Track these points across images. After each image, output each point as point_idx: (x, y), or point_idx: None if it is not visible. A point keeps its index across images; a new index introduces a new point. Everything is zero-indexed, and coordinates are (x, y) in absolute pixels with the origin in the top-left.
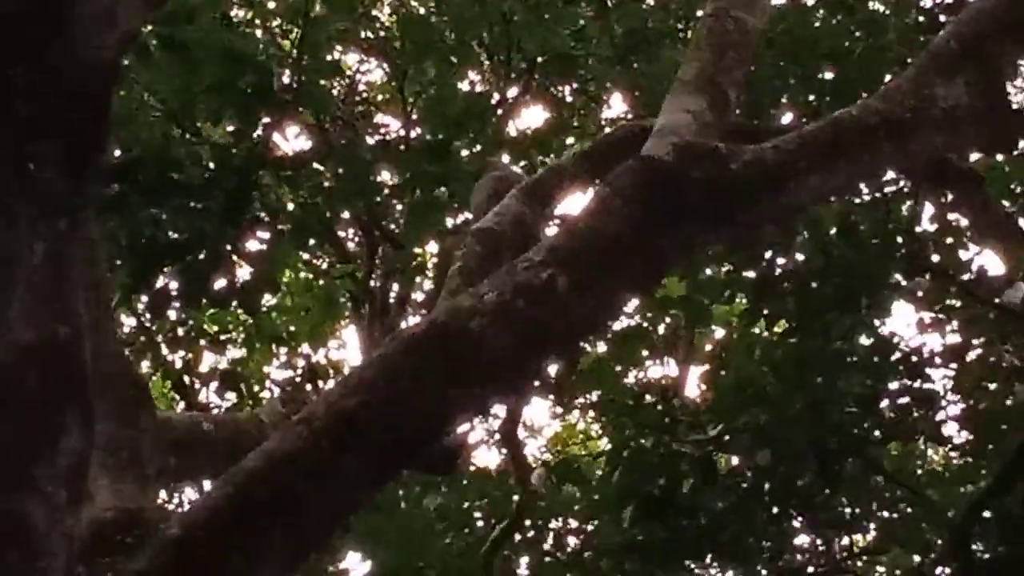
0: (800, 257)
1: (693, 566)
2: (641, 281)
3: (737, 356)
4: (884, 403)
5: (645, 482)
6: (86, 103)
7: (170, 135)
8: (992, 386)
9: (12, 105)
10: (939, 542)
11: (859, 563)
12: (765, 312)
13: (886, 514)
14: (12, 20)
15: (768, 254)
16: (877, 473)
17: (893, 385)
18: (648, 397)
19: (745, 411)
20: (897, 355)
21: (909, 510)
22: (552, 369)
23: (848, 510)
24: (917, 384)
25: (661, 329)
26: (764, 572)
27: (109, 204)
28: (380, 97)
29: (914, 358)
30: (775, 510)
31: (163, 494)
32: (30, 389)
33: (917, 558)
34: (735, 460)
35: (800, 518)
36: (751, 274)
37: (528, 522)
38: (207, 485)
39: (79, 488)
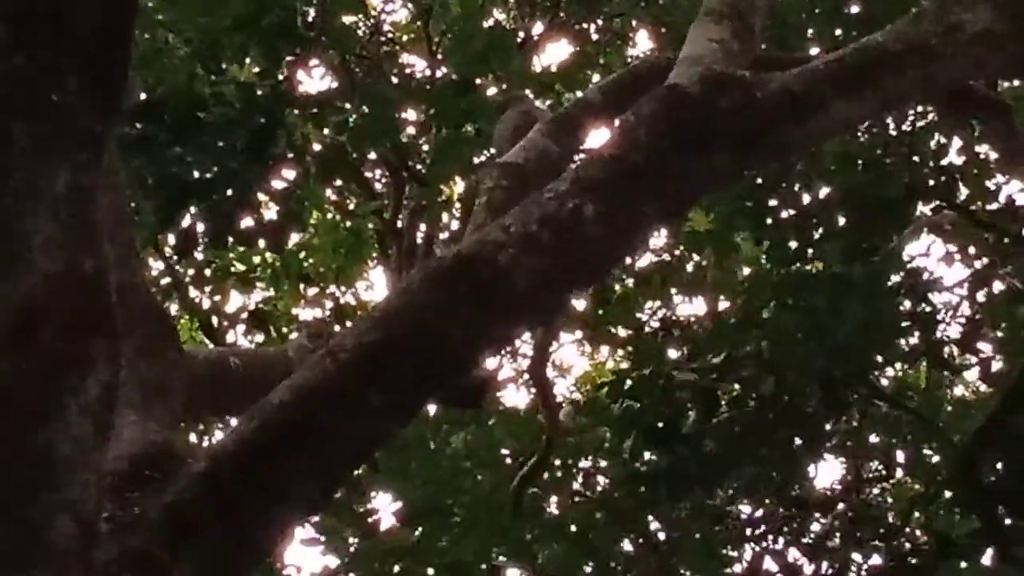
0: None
1: (702, 496)
2: (667, 210)
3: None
4: (887, 327)
5: (646, 412)
6: (107, 34)
7: (195, 74)
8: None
9: (34, 37)
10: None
11: (867, 489)
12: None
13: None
14: None
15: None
16: (881, 399)
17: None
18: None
19: (746, 338)
20: (898, 278)
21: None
22: (580, 305)
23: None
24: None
25: (689, 266)
26: (772, 500)
27: (135, 143)
28: (405, 37)
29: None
30: (779, 438)
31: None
32: (56, 319)
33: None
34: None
35: (805, 445)
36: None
37: (557, 461)
38: (234, 420)
39: (106, 421)
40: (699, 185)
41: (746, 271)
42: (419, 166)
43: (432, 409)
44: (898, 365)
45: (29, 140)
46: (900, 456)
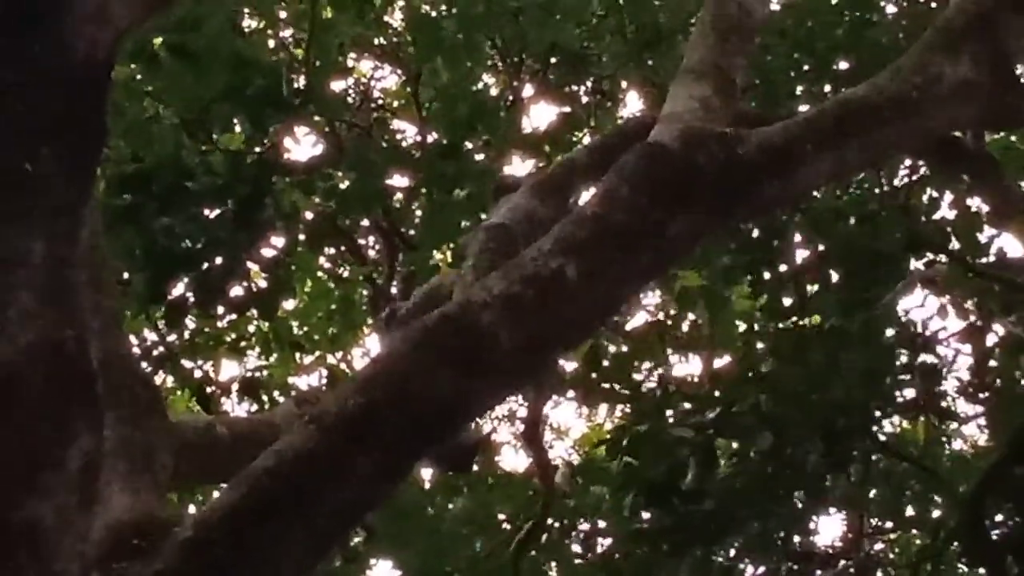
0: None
1: (703, 553)
2: (649, 268)
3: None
4: (887, 380)
5: (645, 469)
6: (82, 103)
7: (182, 144)
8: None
9: (8, 105)
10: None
11: (871, 543)
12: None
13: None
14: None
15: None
16: (884, 451)
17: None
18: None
19: (745, 393)
20: (897, 330)
21: (919, 488)
22: (573, 366)
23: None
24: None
25: (684, 325)
26: (776, 556)
27: (122, 214)
28: (395, 103)
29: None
30: (781, 493)
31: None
32: (36, 391)
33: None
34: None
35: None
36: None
37: (556, 524)
38: (221, 488)
39: (90, 492)
40: (682, 241)
41: (741, 327)
42: (411, 231)
43: (428, 475)
44: (897, 419)
45: (4, 210)
46: (904, 509)
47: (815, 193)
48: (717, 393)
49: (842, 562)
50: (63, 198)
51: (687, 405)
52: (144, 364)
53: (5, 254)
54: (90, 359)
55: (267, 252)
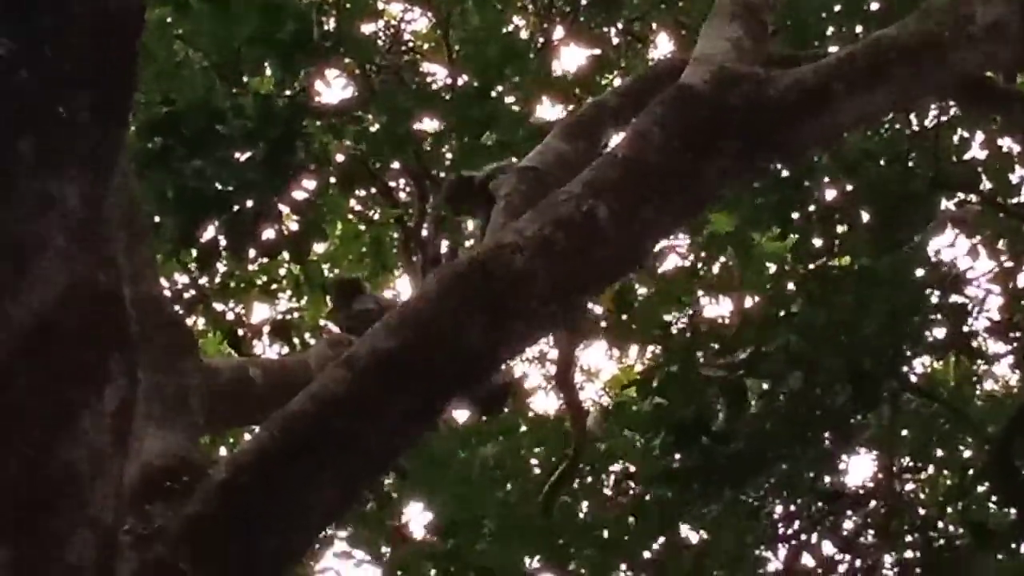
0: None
1: (733, 493)
2: (682, 210)
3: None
4: (916, 320)
5: (675, 409)
6: (113, 48)
7: (213, 87)
8: None
9: (41, 53)
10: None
11: (898, 483)
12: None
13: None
14: None
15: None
16: (913, 392)
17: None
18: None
19: (774, 334)
20: (927, 270)
21: (948, 428)
22: (604, 310)
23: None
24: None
25: (715, 267)
26: (805, 496)
27: (154, 158)
28: (425, 46)
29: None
30: (810, 434)
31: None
32: (71, 335)
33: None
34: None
35: (837, 440)
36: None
37: (588, 467)
38: (255, 430)
39: (125, 434)
40: (713, 183)
41: (771, 268)
42: (441, 174)
43: (460, 418)
44: (927, 359)
45: (37, 155)
46: (934, 449)
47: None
48: (747, 334)
49: (871, 502)
50: (96, 142)
51: (717, 346)
52: (176, 307)
53: (40, 198)
54: (124, 302)
55: (298, 195)
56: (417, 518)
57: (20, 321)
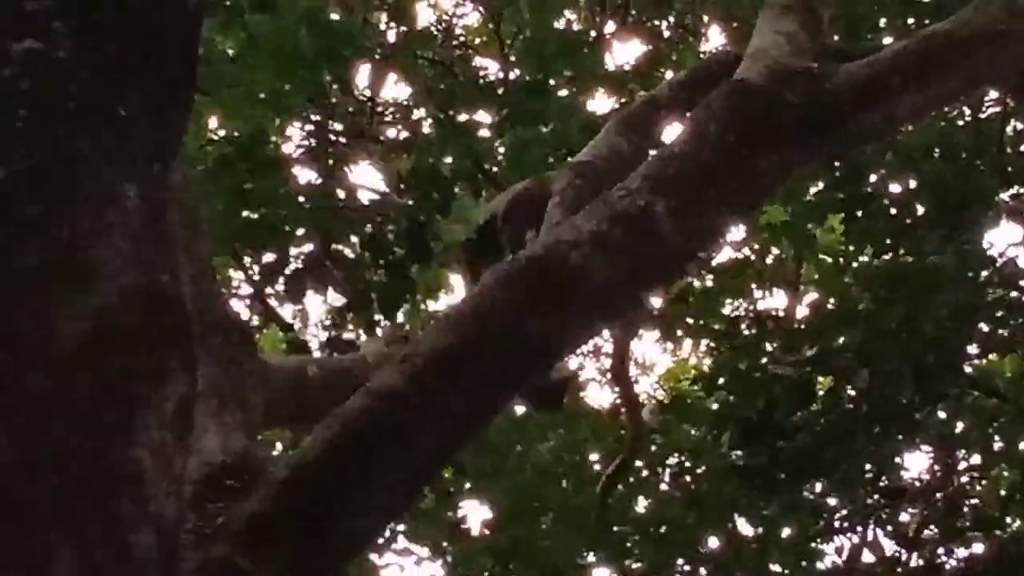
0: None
1: (795, 489)
2: (739, 205)
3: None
4: (978, 316)
5: (742, 406)
6: (173, 46)
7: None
8: None
9: (100, 52)
10: None
11: (962, 481)
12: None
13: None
14: None
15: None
16: (976, 388)
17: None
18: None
19: (841, 331)
20: (992, 268)
21: (1007, 423)
22: (658, 304)
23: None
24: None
25: (769, 259)
26: (865, 492)
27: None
28: (477, 40)
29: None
30: (875, 431)
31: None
32: (131, 334)
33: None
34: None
35: (901, 438)
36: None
37: (644, 460)
38: (313, 427)
39: (185, 433)
40: (769, 178)
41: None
42: (494, 168)
43: (517, 412)
44: (986, 354)
45: (97, 155)
46: (995, 445)
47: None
48: (814, 330)
49: (932, 498)
50: (155, 141)
51: (783, 342)
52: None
53: (99, 197)
54: (184, 301)
55: None
56: (475, 512)
57: (81, 322)
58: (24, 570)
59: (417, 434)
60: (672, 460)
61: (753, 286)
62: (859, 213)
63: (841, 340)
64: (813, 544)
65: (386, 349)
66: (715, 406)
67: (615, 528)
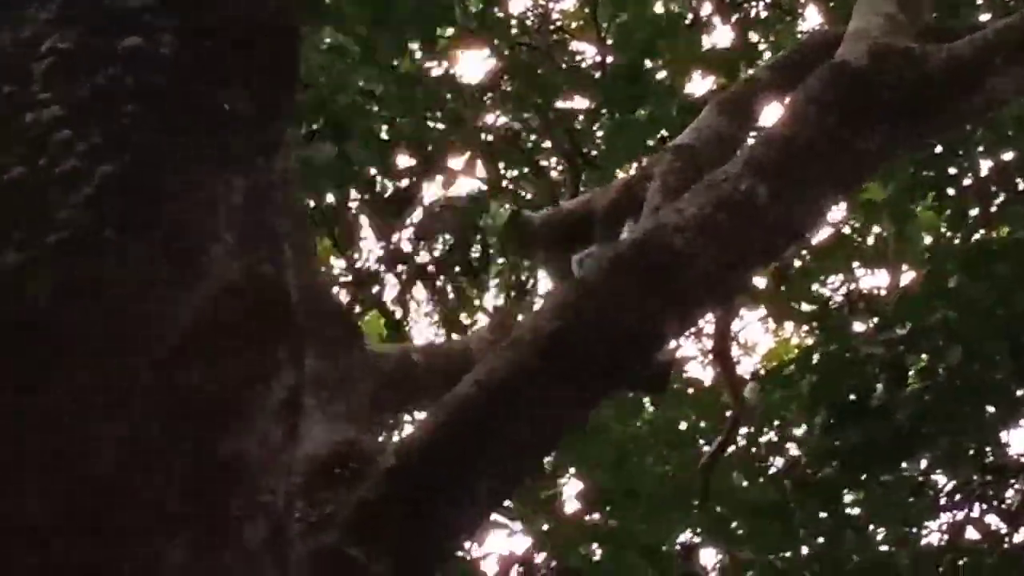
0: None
1: (894, 469)
2: (839, 187)
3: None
4: None
5: (835, 387)
6: (275, 37)
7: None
8: None
9: (202, 45)
10: None
11: None
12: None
13: None
14: None
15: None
16: None
17: None
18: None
19: (933, 309)
20: None
21: None
22: (761, 282)
23: None
24: None
25: (870, 238)
26: (968, 470)
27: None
28: (574, 24)
29: None
30: (970, 408)
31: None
32: (238, 327)
33: None
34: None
35: (999, 415)
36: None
37: (745, 439)
38: (419, 415)
39: (293, 424)
40: (870, 160)
41: (927, 240)
42: (594, 151)
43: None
44: None
45: (202, 150)
46: None
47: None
48: (905, 310)
49: None
50: (260, 136)
51: (875, 321)
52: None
53: (206, 194)
54: (290, 294)
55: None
56: (573, 491)
57: (188, 315)
58: (135, 568)
59: (521, 422)
60: (771, 439)
61: (855, 264)
62: (951, 191)
63: (934, 317)
64: (919, 526)
65: (490, 336)
66: (808, 388)
67: (717, 506)
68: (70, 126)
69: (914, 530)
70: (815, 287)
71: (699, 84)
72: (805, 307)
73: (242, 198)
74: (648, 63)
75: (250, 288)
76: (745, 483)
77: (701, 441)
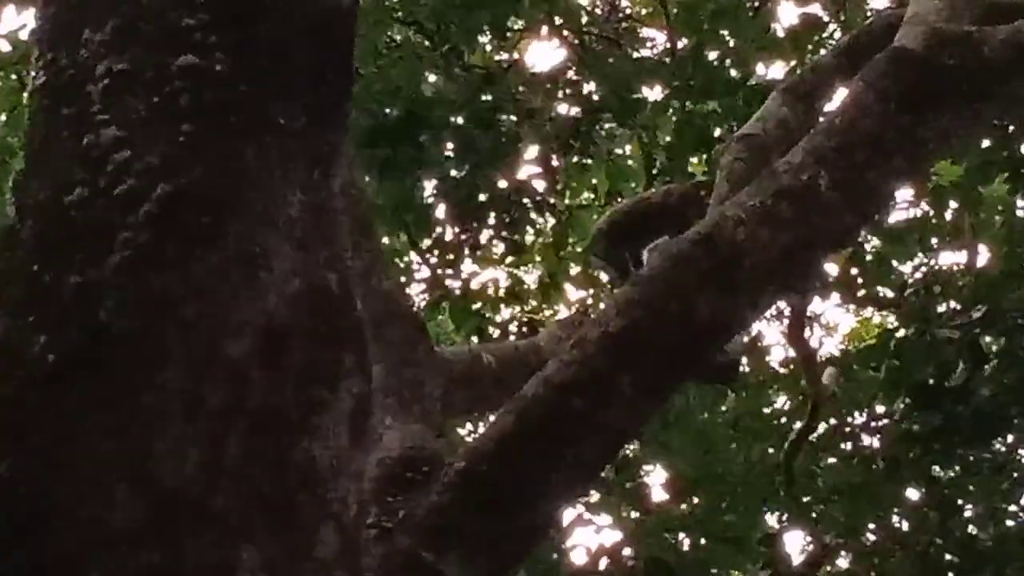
0: None
1: (976, 451)
2: (903, 173)
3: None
4: None
5: (914, 371)
6: (329, 52)
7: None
8: None
9: (257, 61)
10: None
11: None
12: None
13: None
14: None
15: None
16: None
17: None
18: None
19: (1009, 289)
20: None
21: None
22: (834, 267)
23: None
24: None
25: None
26: None
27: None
28: (643, 12)
29: None
30: None
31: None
32: (304, 337)
33: None
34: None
35: None
36: None
37: (826, 423)
38: (490, 417)
39: (362, 431)
40: (931, 145)
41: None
42: (667, 137)
43: None
44: None
45: (260, 164)
46: None
47: None
48: (981, 291)
49: None
50: (316, 148)
51: (951, 304)
52: (412, 298)
53: (264, 207)
54: (354, 302)
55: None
56: (657, 480)
57: (253, 327)
58: (213, 572)
59: (592, 420)
60: (853, 423)
61: (934, 242)
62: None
63: (1011, 299)
64: (1004, 505)
65: (560, 334)
66: (886, 372)
67: (802, 490)
68: (128, 146)
69: (1004, 507)
70: (887, 271)
71: (768, 70)
72: (876, 293)
73: (300, 210)
74: (713, 50)
75: (313, 299)
76: (830, 464)
77: (784, 425)
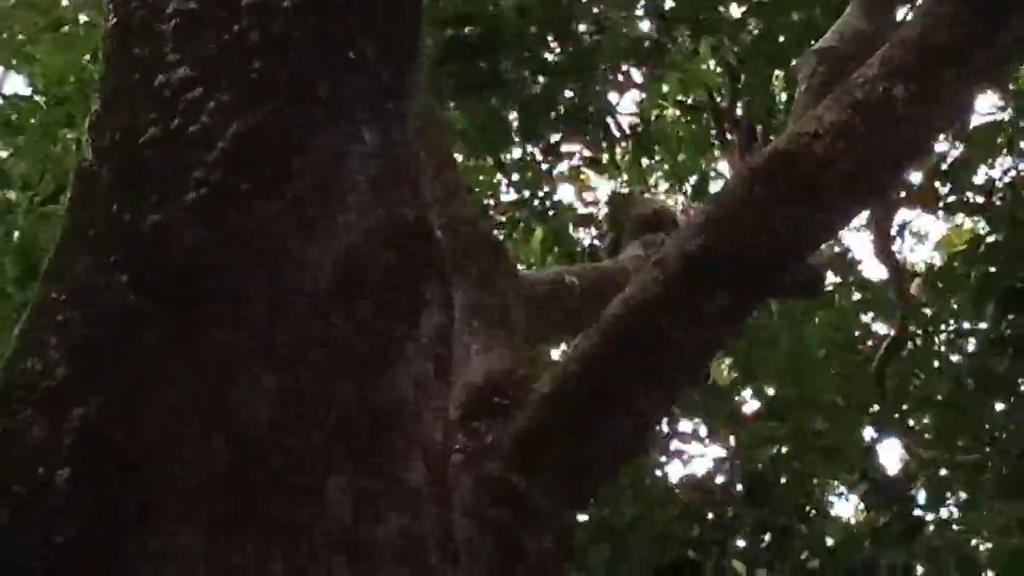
0: None
1: None
2: (979, 80)
3: None
4: None
5: (1003, 276)
6: None
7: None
8: None
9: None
10: None
11: None
12: None
13: None
14: None
15: None
16: None
17: None
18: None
19: None
20: None
21: None
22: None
23: None
24: None
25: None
26: None
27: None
28: None
29: None
30: None
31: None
32: (383, 269)
33: None
34: None
35: None
36: None
37: (917, 333)
38: (575, 339)
39: (446, 361)
40: (1007, 50)
41: None
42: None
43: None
44: None
45: (333, 100)
46: None
47: None
48: None
49: None
50: (388, 81)
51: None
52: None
53: (339, 143)
54: (433, 234)
55: None
56: (751, 400)
57: (332, 261)
58: (300, 508)
59: (674, 340)
60: (944, 333)
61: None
62: None
63: None
64: None
65: (642, 253)
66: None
67: (895, 403)
68: (200, 85)
69: None
70: (970, 177)
71: None
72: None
73: (375, 145)
74: None
75: (391, 232)
76: (920, 377)
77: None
